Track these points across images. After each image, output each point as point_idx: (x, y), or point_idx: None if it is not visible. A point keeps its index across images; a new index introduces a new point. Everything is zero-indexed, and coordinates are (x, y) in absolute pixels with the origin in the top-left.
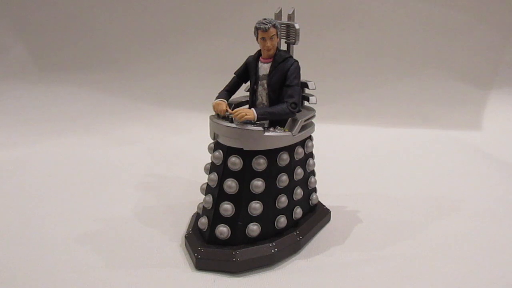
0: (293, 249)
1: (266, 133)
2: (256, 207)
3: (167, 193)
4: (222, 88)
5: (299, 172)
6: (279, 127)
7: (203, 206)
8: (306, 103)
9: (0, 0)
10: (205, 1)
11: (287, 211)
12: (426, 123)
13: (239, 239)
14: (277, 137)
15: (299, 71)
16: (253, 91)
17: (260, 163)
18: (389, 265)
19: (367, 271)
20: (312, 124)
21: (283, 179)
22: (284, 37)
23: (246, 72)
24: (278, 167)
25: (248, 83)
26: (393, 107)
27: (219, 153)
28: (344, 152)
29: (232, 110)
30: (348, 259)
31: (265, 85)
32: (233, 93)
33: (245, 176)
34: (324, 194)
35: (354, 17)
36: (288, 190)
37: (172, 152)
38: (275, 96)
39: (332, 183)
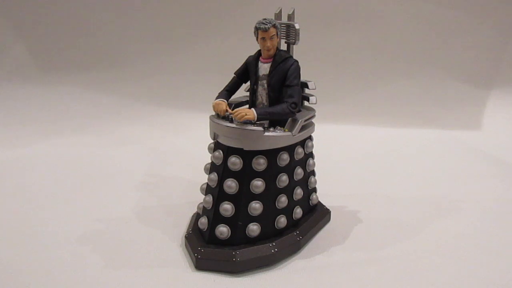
0: (293, 249)
1: (266, 133)
2: (256, 207)
3: (167, 193)
4: (222, 88)
5: (299, 172)
6: (279, 127)
7: (203, 206)
8: (306, 103)
9: (0, 0)
10: (205, 1)
11: (287, 211)
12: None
13: (239, 239)
14: (277, 137)
15: (299, 71)
16: (253, 91)
17: (260, 163)
18: (389, 265)
19: (367, 271)
20: (312, 124)
21: (283, 179)
22: (284, 37)
23: (246, 72)
24: (278, 167)
25: (248, 83)
26: (393, 107)
27: (219, 153)
28: (344, 152)
29: (232, 110)
30: (348, 259)
31: (265, 85)
32: (233, 93)
33: (245, 176)
34: (324, 194)
35: (354, 17)
36: (288, 190)
37: (172, 152)
38: (275, 96)
39: (332, 183)
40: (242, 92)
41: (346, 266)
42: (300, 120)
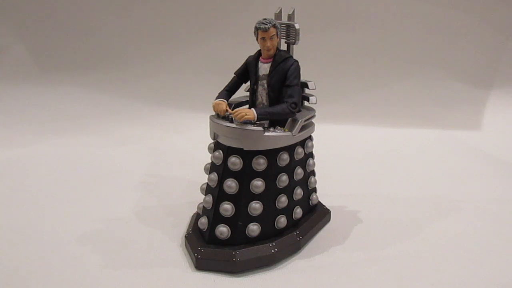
0: (293, 249)
1: (266, 133)
2: (256, 207)
3: (167, 193)
4: (222, 88)
5: (299, 172)
6: (279, 127)
7: (203, 206)
8: (306, 103)
9: (0, 0)
10: (205, 1)
11: (287, 211)
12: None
13: (239, 239)
14: (277, 137)
15: (299, 71)
16: (253, 91)
17: (260, 163)
18: (389, 265)
19: (367, 271)
20: (312, 124)
21: (283, 179)
22: (284, 37)
23: (246, 72)
24: (278, 167)
25: (248, 83)
26: (393, 107)
27: (219, 153)
28: (344, 152)
29: (232, 110)
30: (348, 259)
31: (265, 85)
32: (233, 93)
33: (245, 176)
34: (324, 194)
35: (354, 17)
36: (288, 190)
37: (172, 152)
38: (275, 96)
39: (332, 183)
40: (242, 92)
41: (346, 266)
42: (300, 120)
